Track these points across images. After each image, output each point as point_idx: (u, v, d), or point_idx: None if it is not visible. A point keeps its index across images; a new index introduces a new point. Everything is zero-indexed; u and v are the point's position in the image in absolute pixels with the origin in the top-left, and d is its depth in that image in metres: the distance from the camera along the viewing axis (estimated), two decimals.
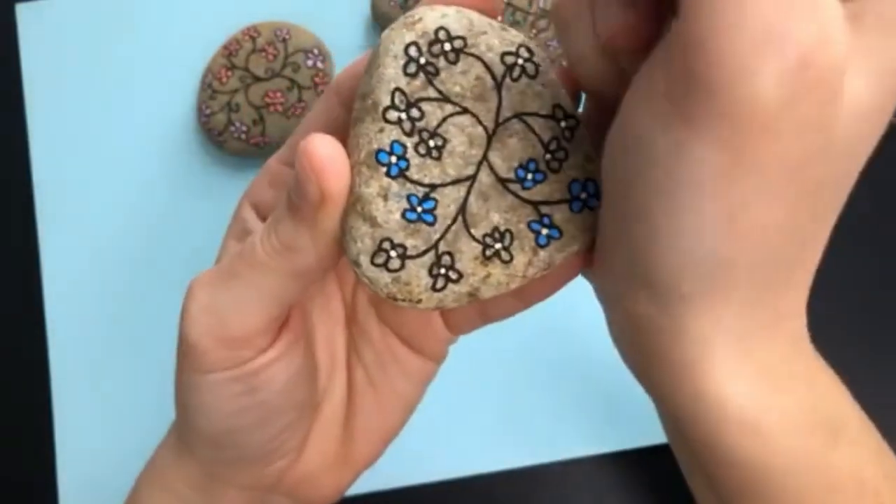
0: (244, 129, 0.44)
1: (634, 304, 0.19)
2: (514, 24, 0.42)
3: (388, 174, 0.20)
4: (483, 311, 0.26)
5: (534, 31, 0.42)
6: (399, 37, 0.20)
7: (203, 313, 0.22)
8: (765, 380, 0.18)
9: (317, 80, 0.44)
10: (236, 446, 0.24)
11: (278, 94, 0.44)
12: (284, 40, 0.44)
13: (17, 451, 0.44)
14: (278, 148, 0.45)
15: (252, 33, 0.45)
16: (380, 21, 0.45)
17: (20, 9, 0.48)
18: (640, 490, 0.41)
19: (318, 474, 0.27)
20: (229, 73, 0.44)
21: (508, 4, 0.43)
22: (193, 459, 0.26)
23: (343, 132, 0.21)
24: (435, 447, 0.41)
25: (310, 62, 0.44)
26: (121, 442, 0.43)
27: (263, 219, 0.24)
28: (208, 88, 0.45)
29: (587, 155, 0.21)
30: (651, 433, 0.40)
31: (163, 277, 0.45)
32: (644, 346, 0.19)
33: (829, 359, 0.20)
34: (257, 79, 0.44)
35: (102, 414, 0.44)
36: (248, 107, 0.44)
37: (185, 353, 0.23)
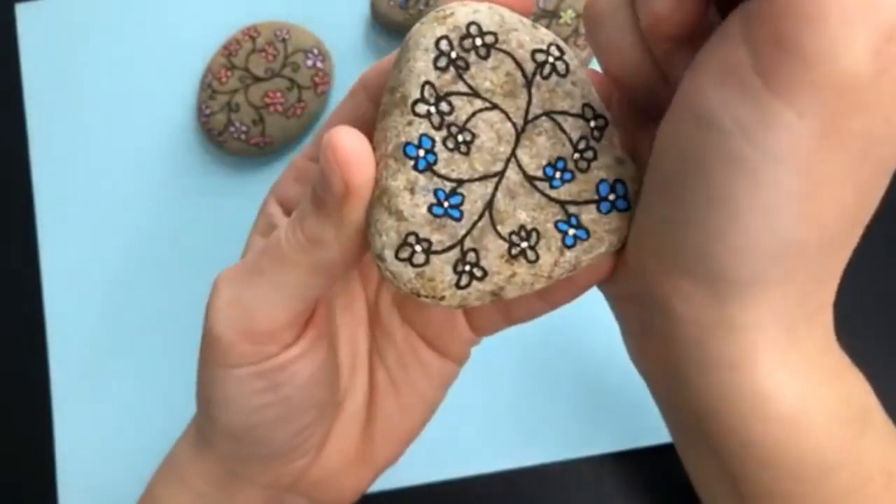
0: (244, 129, 0.44)
1: (675, 300, 0.18)
2: None
3: (415, 167, 0.19)
4: (507, 311, 0.26)
5: None
6: (430, 30, 0.20)
7: (229, 307, 0.22)
8: (807, 372, 0.18)
9: (316, 80, 0.44)
10: (258, 442, 0.24)
11: (278, 94, 0.44)
12: (284, 40, 0.44)
13: (18, 453, 0.44)
14: (278, 148, 0.45)
15: (252, 33, 0.45)
16: (380, 21, 0.45)
17: (20, 9, 0.48)
18: (641, 490, 0.41)
19: (338, 474, 0.27)
20: (229, 73, 0.44)
21: None
22: (213, 455, 0.26)
23: (370, 128, 0.21)
24: (435, 447, 0.41)
25: (309, 62, 0.44)
26: (121, 443, 0.43)
27: (289, 214, 0.24)
28: (208, 88, 0.45)
29: (616, 156, 0.21)
30: (651, 433, 0.40)
31: (163, 277, 0.45)
32: (679, 346, 0.19)
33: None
34: (257, 79, 0.44)
35: (102, 415, 0.44)
36: (248, 107, 0.44)
37: (210, 347, 0.23)
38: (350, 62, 0.46)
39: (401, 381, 0.27)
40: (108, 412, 0.44)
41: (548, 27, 0.42)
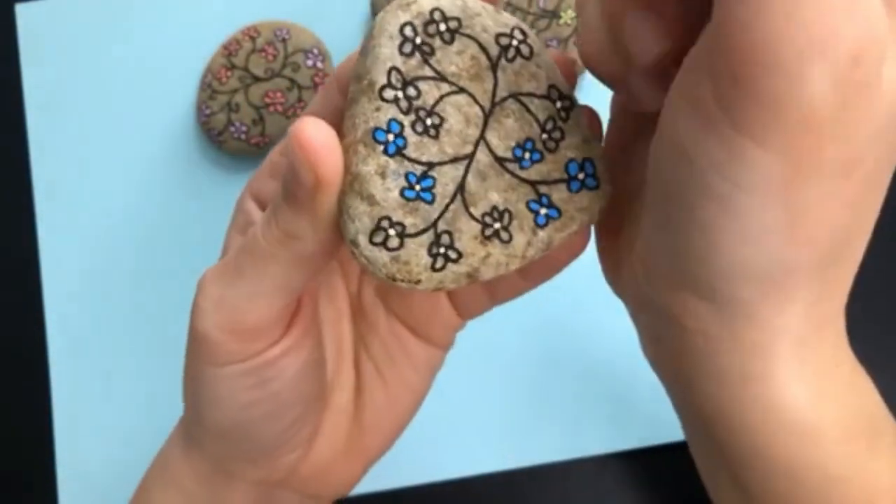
0: (244, 128, 0.44)
1: (683, 313, 0.18)
2: None
3: (385, 152, 0.19)
4: (491, 291, 0.26)
5: (534, 30, 0.42)
6: (394, 18, 0.20)
7: (214, 307, 0.22)
8: (820, 384, 0.18)
9: (317, 79, 0.44)
10: (248, 439, 0.24)
11: (278, 94, 0.44)
12: (284, 40, 0.44)
13: (18, 452, 0.44)
14: None
15: (252, 33, 0.45)
16: None
17: (20, 9, 0.48)
18: (642, 490, 0.41)
19: (329, 468, 0.27)
20: (229, 73, 0.44)
21: (508, 4, 0.42)
22: (202, 454, 0.26)
23: (341, 120, 0.21)
24: (435, 447, 0.41)
25: (309, 62, 0.44)
26: (121, 441, 0.43)
27: (265, 210, 0.24)
28: (208, 88, 0.45)
29: (584, 135, 0.21)
30: (653, 433, 0.40)
31: (162, 277, 0.45)
32: (690, 356, 0.19)
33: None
34: (257, 79, 0.44)
35: (102, 415, 0.44)
36: (248, 107, 0.44)
37: (197, 347, 0.23)
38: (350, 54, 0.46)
39: (387, 371, 0.27)
40: (108, 412, 0.44)
41: (548, 27, 0.42)
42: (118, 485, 0.43)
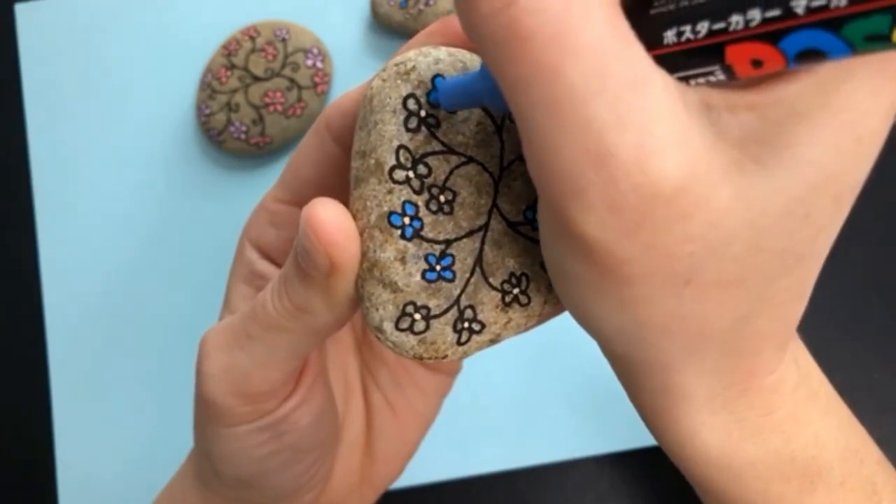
0: (244, 128, 0.44)
1: (604, 340, 0.18)
2: None
3: (402, 236, 0.19)
4: None
5: None
6: (395, 90, 0.19)
7: (221, 373, 0.22)
8: (735, 432, 0.18)
9: (316, 79, 0.44)
10: (266, 487, 0.24)
11: (278, 94, 0.44)
12: (284, 40, 0.44)
13: (18, 453, 0.44)
14: (278, 148, 0.45)
15: (251, 33, 0.45)
16: (379, 21, 0.45)
17: (20, 9, 0.48)
18: (641, 490, 0.41)
19: (342, 500, 0.27)
20: (229, 73, 0.44)
21: None
22: (220, 498, 0.25)
23: (339, 172, 0.20)
24: (435, 448, 0.41)
25: (309, 62, 0.44)
26: (121, 443, 0.43)
27: (268, 258, 0.24)
28: (208, 88, 0.45)
29: None
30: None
31: (162, 277, 0.45)
32: (625, 383, 0.19)
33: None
34: (257, 78, 0.44)
35: (102, 415, 0.44)
36: (248, 106, 0.44)
37: (206, 411, 0.22)
38: (350, 62, 0.46)
39: (396, 400, 0.27)
40: (108, 412, 0.44)
41: None
42: (118, 485, 0.43)
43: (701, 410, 0.17)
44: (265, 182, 0.45)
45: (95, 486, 0.43)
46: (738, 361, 0.17)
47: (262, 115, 0.44)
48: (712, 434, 0.18)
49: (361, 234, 0.19)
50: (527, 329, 0.21)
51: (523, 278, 0.20)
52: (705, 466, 0.18)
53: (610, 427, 0.41)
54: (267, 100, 0.44)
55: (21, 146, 0.47)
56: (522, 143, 0.14)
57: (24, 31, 0.48)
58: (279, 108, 0.44)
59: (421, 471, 0.41)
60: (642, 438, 0.41)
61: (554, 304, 0.21)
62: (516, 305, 0.20)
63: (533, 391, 0.42)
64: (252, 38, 0.44)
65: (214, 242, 0.45)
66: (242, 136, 0.44)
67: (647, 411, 0.18)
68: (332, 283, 0.19)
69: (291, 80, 0.44)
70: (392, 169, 0.19)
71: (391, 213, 0.19)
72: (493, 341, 0.20)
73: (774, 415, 0.18)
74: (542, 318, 0.21)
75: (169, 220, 0.46)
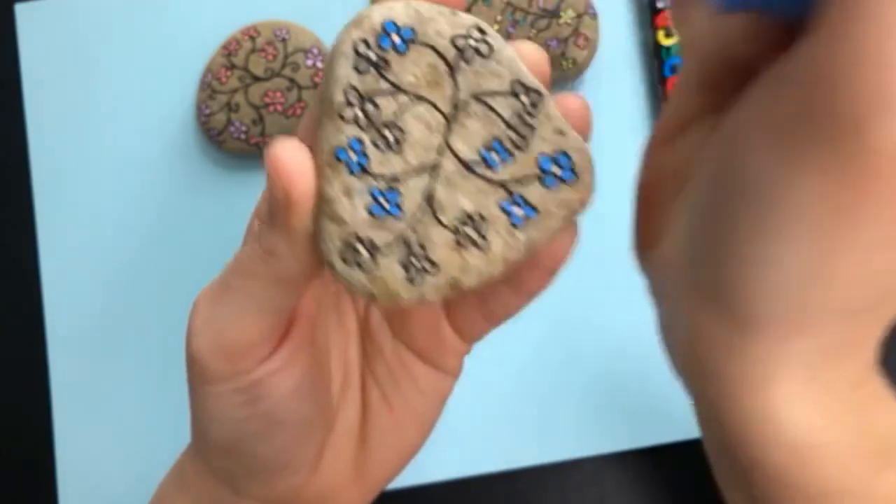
0: (244, 128, 0.44)
1: (699, 313, 0.18)
2: (515, 23, 0.42)
3: (349, 171, 0.20)
4: (486, 311, 0.26)
5: (534, 30, 0.42)
6: (347, 36, 0.20)
7: (204, 326, 0.23)
8: (826, 407, 0.17)
9: (316, 79, 0.44)
10: (246, 454, 0.25)
11: (278, 94, 0.44)
12: (284, 40, 0.44)
13: (18, 453, 0.44)
14: None
15: (251, 33, 0.45)
16: None
17: (20, 9, 0.48)
18: (642, 490, 0.41)
19: (334, 493, 0.27)
20: (229, 73, 0.44)
21: (508, 4, 0.42)
22: (209, 469, 0.26)
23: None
24: (435, 447, 0.41)
25: (309, 62, 0.44)
26: (120, 441, 0.43)
27: None
28: (207, 88, 0.45)
29: (556, 127, 0.20)
30: (654, 433, 0.40)
31: (162, 277, 0.45)
32: (701, 354, 0.18)
33: None
34: (257, 78, 0.44)
35: (102, 415, 0.44)
36: (248, 106, 0.44)
37: (190, 367, 0.23)
38: None
39: (393, 396, 0.27)
40: (108, 412, 0.44)
41: (548, 27, 0.42)
42: (118, 485, 0.43)
43: (795, 381, 0.17)
44: (265, 182, 0.45)
45: (95, 486, 0.43)
46: (853, 337, 0.17)
47: (263, 115, 0.44)
48: (801, 409, 0.17)
49: (318, 173, 0.20)
50: (492, 276, 0.20)
51: (478, 218, 0.20)
52: (783, 448, 0.17)
53: (610, 427, 0.41)
54: (267, 100, 0.44)
55: (21, 146, 0.47)
56: (814, 51, 0.13)
57: (24, 31, 0.48)
58: (279, 108, 0.44)
59: (421, 471, 0.41)
60: (643, 439, 0.41)
61: (521, 252, 0.21)
62: (472, 247, 0.20)
63: (533, 391, 0.42)
64: (252, 38, 0.44)
65: (214, 242, 0.45)
66: (242, 136, 0.44)
67: (722, 391, 0.18)
68: (291, 220, 0.20)
69: (291, 80, 0.44)
70: (340, 107, 0.20)
71: (338, 149, 0.20)
72: (453, 286, 0.20)
73: (862, 389, 0.18)
74: (508, 265, 0.20)
75: (169, 220, 0.46)
